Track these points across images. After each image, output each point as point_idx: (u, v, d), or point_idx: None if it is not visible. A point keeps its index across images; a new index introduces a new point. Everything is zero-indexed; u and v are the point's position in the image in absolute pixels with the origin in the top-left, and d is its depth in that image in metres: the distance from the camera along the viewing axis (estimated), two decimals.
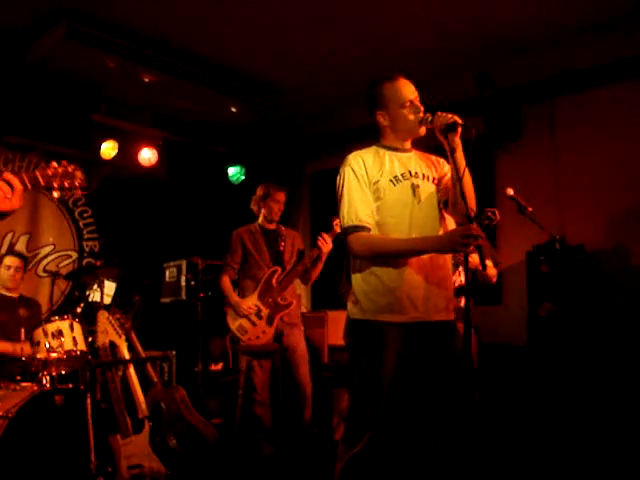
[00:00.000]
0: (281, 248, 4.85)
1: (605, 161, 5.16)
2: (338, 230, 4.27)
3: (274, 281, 4.71)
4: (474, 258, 3.47)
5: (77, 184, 2.41)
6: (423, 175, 2.91)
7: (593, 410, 4.45)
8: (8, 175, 2.23)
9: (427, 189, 2.90)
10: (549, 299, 4.90)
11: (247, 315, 4.66)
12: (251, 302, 4.69)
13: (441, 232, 2.90)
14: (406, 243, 2.80)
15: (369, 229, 2.78)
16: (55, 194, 2.38)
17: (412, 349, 2.76)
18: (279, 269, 4.75)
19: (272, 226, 4.92)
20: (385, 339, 2.73)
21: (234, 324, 4.70)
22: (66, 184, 2.39)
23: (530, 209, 3.85)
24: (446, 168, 2.96)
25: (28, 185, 2.27)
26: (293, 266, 4.76)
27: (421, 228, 2.85)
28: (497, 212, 3.90)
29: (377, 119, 2.94)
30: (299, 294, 5.46)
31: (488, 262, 3.72)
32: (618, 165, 5.08)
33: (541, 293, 4.95)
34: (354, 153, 2.91)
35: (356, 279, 2.86)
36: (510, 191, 3.88)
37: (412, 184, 2.85)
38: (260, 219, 4.93)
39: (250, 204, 5.00)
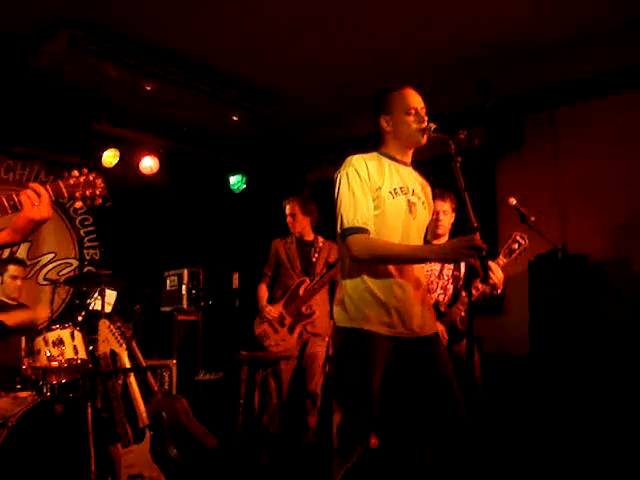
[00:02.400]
0: (313, 259, 4.91)
1: (606, 171, 5.16)
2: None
3: (301, 291, 4.78)
4: (497, 275, 3.52)
5: (98, 193, 2.39)
6: (418, 196, 2.92)
7: (595, 420, 4.43)
8: (35, 184, 2.25)
9: (420, 210, 2.91)
10: (551, 309, 4.88)
11: (269, 320, 4.72)
12: (275, 309, 4.78)
13: None
14: (410, 249, 2.78)
15: (369, 232, 2.74)
16: (77, 204, 2.40)
17: (399, 362, 2.75)
18: (307, 279, 4.81)
19: (309, 237, 5.01)
20: (374, 349, 2.71)
21: (258, 329, 4.82)
22: (88, 193, 2.37)
23: (532, 218, 3.83)
24: (430, 198, 3.01)
25: (52, 196, 2.27)
26: (321, 276, 4.81)
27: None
28: (526, 237, 3.85)
29: (380, 124, 2.93)
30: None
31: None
32: (619, 174, 5.08)
33: (543, 302, 4.94)
34: (357, 156, 2.88)
35: (345, 285, 2.82)
36: (512, 200, 3.87)
37: (409, 200, 2.85)
38: (292, 231, 5.06)
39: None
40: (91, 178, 2.37)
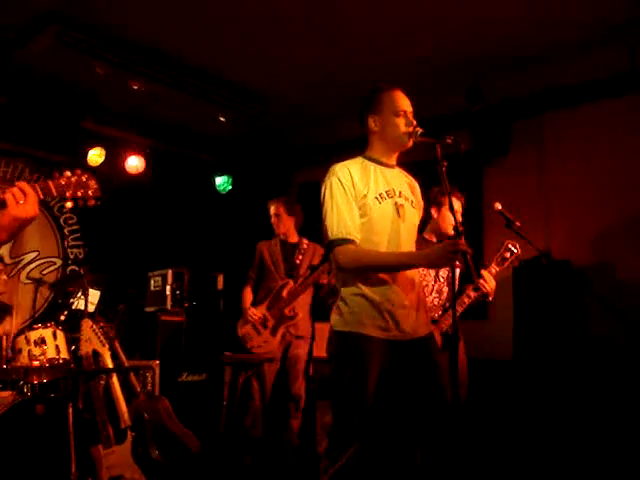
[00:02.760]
0: (297, 261, 4.90)
1: (591, 176, 5.20)
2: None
3: (284, 293, 4.76)
4: (489, 284, 3.62)
5: (91, 194, 2.34)
6: (406, 197, 2.93)
7: (578, 424, 4.46)
8: (21, 183, 2.20)
9: (409, 210, 2.92)
10: (535, 314, 4.91)
11: (252, 322, 4.71)
12: (258, 311, 4.76)
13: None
14: (395, 257, 2.80)
15: (356, 243, 2.75)
16: (68, 204, 2.32)
17: (394, 364, 2.76)
18: (291, 281, 4.80)
19: (293, 239, 5.00)
20: (369, 352, 2.72)
21: (241, 331, 4.80)
22: (79, 194, 2.32)
23: (518, 224, 3.86)
24: (420, 196, 3.03)
25: (40, 195, 2.22)
26: (304, 278, 4.80)
27: (407, 247, 2.89)
28: (518, 245, 3.88)
29: (368, 123, 2.93)
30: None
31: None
32: (604, 180, 5.12)
33: (527, 308, 4.96)
34: (341, 164, 2.88)
35: (341, 292, 2.85)
36: (498, 206, 3.89)
37: (396, 203, 2.86)
38: (277, 233, 5.05)
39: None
40: (84, 179, 2.33)
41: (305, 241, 5.00)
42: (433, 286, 4.04)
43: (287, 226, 4.96)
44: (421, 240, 3.97)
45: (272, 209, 4.97)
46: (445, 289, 4.05)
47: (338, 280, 2.87)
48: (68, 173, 2.30)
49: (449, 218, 3.99)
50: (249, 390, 4.79)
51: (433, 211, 4.07)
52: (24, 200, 2.16)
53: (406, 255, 2.83)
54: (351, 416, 2.71)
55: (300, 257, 4.92)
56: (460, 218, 4.02)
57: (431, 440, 2.78)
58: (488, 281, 3.67)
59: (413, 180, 3.08)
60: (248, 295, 4.97)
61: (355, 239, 2.75)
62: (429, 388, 2.77)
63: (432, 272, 4.02)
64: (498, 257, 3.90)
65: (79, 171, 2.34)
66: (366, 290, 2.76)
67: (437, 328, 3.82)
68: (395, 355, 2.76)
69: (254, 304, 4.90)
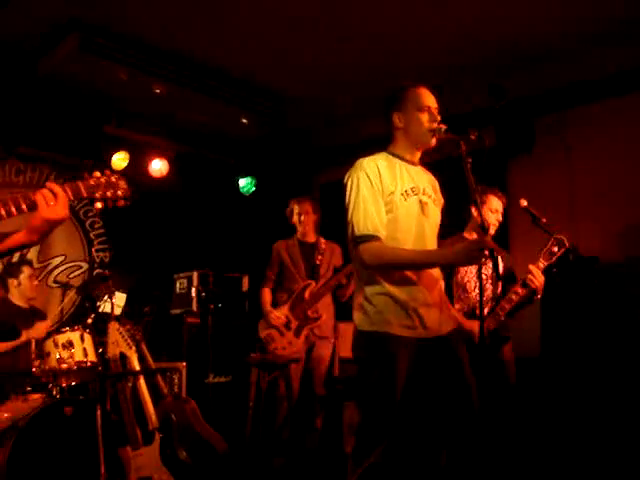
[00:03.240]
0: (317, 262, 4.88)
1: (618, 172, 5.13)
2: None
3: (307, 294, 4.74)
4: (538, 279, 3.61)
5: (121, 194, 2.34)
6: (429, 195, 2.91)
7: (607, 422, 4.40)
8: (51, 184, 2.20)
9: (432, 208, 2.91)
10: (563, 311, 4.85)
11: (276, 325, 4.70)
12: (281, 313, 4.76)
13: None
14: (420, 255, 2.78)
15: (381, 239, 2.73)
16: (98, 205, 2.31)
17: (421, 363, 2.74)
18: (313, 283, 4.78)
19: (311, 239, 4.95)
20: (396, 351, 2.70)
21: (263, 333, 4.78)
22: (109, 194, 2.31)
23: (544, 220, 3.81)
24: (440, 194, 3.01)
25: (70, 196, 2.21)
26: (327, 280, 4.77)
27: (430, 245, 2.88)
28: (566, 239, 3.80)
29: (392, 120, 2.90)
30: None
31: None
32: (631, 176, 5.05)
33: (555, 305, 4.90)
34: (368, 158, 2.85)
35: (365, 291, 2.81)
36: (523, 202, 3.85)
37: (420, 200, 2.84)
38: (298, 233, 4.99)
39: (288, 219, 5.08)
40: (113, 179, 2.32)
41: (323, 240, 4.97)
42: (475, 282, 3.96)
43: (310, 225, 4.94)
44: (461, 238, 3.94)
45: (297, 208, 4.94)
46: (489, 286, 3.97)
47: (361, 278, 2.83)
48: (98, 174, 2.30)
49: (489, 218, 3.94)
50: (275, 392, 4.77)
51: (473, 209, 4.00)
52: (54, 201, 2.16)
53: (430, 253, 2.81)
54: (379, 416, 2.70)
55: (320, 257, 4.88)
56: (500, 218, 3.99)
57: (457, 440, 2.76)
58: (537, 276, 3.64)
59: (433, 178, 3.05)
60: (267, 296, 4.93)
61: (381, 236, 2.72)
62: (455, 386, 2.75)
63: (473, 269, 3.95)
64: (546, 252, 3.80)
65: (108, 171, 2.33)
66: (391, 288, 2.74)
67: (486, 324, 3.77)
68: (421, 353, 2.74)
69: (274, 305, 4.87)
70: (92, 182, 2.29)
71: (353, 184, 2.80)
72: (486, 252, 2.54)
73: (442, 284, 2.97)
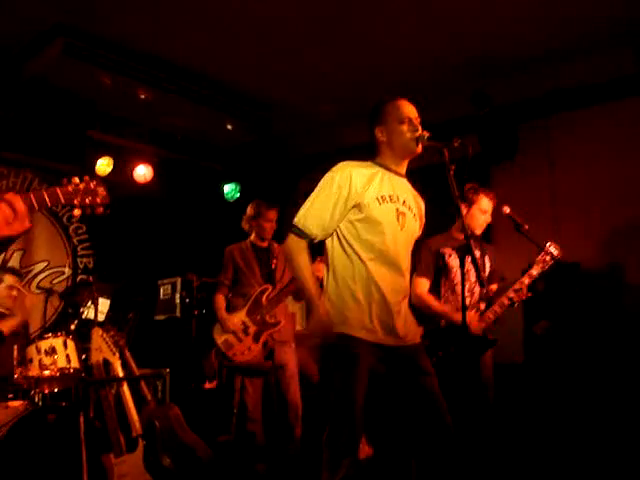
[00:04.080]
0: (273, 266, 4.83)
1: (600, 178, 5.19)
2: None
3: (264, 299, 4.69)
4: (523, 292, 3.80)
5: (99, 201, 2.29)
6: (409, 207, 2.92)
7: (591, 426, 4.43)
8: (9, 196, 2.06)
9: (410, 221, 2.91)
10: (546, 317, 4.89)
11: (233, 331, 4.64)
12: (238, 318, 4.68)
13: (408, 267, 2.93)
14: (310, 285, 2.78)
15: (311, 240, 2.80)
16: (76, 212, 2.26)
17: (382, 369, 2.74)
18: (270, 287, 4.73)
19: (264, 244, 4.90)
20: (357, 354, 2.69)
21: (220, 339, 4.69)
22: (87, 201, 2.26)
23: (526, 227, 3.85)
24: (423, 211, 3.03)
25: (35, 205, 2.14)
26: (285, 285, 4.72)
27: (402, 255, 2.88)
28: (559, 248, 3.90)
29: (376, 135, 2.94)
30: (293, 312, 5.45)
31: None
32: (612, 182, 5.11)
33: (537, 311, 4.94)
34: (346, 163, 2.89)
35: (330, 290, 2.82)
36: (506, 209, 3.89)
37: (397, 209, 2.85)
38: (252, 237, 4.92)
39: (241, 222, 4.99)
40: (92, 186, 2.28)
41: (276, 245, 4.93)
42: (464, 285, 3.99)
43: (270, 233, 4.90)
44: (449, 236, 3.98)
45: (273, 214, 4.90)
46: (477, 289, 4.02)
47: (328, 277, 2.84)
48: (76, 180, 2.26)
49: (478, 218, 4.01)
50: (243, 399, 4.69)
51: (463, 207, 4.02)
52: (13, 218, 2.05)
53: (315, 292, 2.78)
54: (342, 426, 2.68)
55: (275, 261, 4.84)
56: (489, 219, 4.03)
57: (426, 451, 2.74)
58: (523, 295, 3.85)
59: (418, 194, 3.07)
60: (222, 302, 4.82)
61: (314, 237, 2.80)
62: (420, 398, 2.74)
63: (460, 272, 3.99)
64: (540, 260, 3.89)
65: (87, 178, 2.29)
66: (357, 291, 2.75)
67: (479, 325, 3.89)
68: (385, 361, 2.74)
69: (229, 310, 4.79)
70: (70, 189, 2.25)
71: (324, 179, 2.86)
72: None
73: (408, 294, 2.97)
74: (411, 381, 2.75)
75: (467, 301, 3.99)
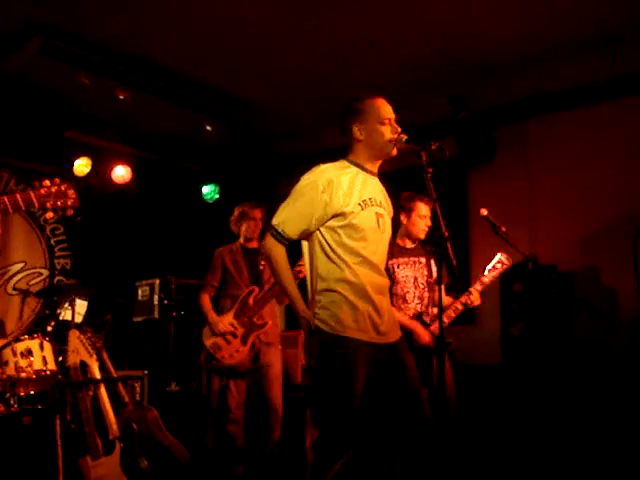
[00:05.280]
0: (261, 267, 4.82)
1: (576, 182, 5.24)
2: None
3: (251, 300, 4.68)
4: (475, 297, 3.93)
5: (70, 204, 2.31)
6: (384, 207, 2.94)
7: (567, 427, 4.48)
8: None
9: (387, 221, 2.94)
10: (522, 319, 4.94)
11: (222, 333, 4.63)
12: (227, 320, 4.66)
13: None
14: (292, 290, 2.84)
15: (288, 242, 2.82)
16: (49, 215, 2.29)
17: (374, 368, 2.75)
18: (257, 289, 4.72)
19: (253, 245, 4.90)
20: (354, 355, 2.69)
21: (209, 341, 4.67)
22: (59, 204, 2.28)
23: (504, 229, 3.89)
24: (392, 210, 3.05)
25: (10, 210, 2.16)
26: (271, 286, 4.72)
27: (382, 256, 2.91)
28: (509, 258, 4.08)
29: (352, 132, 2.89)
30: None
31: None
32: (588, 184, 5.16)
33: (514, 313, 4.99)
34: (326, 169, 2.86)
35: (319, 293, 2.81)
36: (484, 211, 3.93)
37: (376, 212, 2.86)
38: (241, 238, 4.92)
39: (230, 225, 4.99)
40: (63, 188, 2.29)
41: None
42: (414, 293, 4.07)
43: (257, 233, 4.90)
44: (394, 245, 4.01)
45: (257, 212, 4.90)
46: (426, 295, 4.10)
47: (315, 281, 2.83)
48: (48, 182, 2.26)
49: (419, 224, 4.10)
50: (225, 400, 4.69)
51: (402, 217, 4.14)
52: None
53: (297, 297, 2.83)
54: (338, 429, 2.68)
55: (263, 263, 4.83)
56: (429, 223, 4.09)
57: (410, 450, 2.75)
58: (475, 300, 3.96)
59: (385, 191, 3.06)
60: (209, 303, 4.82)
61: (290, 240, 2.82)
62: (404, 394, 2.76)
63: (411, 279, 4.07)
64: (491, 268, 4.04)
65: (58, 180, 2.30)
66: (346, 292, 2.75)
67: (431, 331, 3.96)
68: (375, 359, 2.75)
69: (217, 312, 4.80)
70: (43, 191, 2.26)
71: (305, 185, 2.83)
72: None
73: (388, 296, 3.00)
74: (396, 378, 2.77)
75: (418, 307, 4.05)
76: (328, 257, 2.79)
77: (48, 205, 2.26)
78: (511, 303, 5.08)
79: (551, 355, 4.74)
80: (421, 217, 4.11)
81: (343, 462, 2.64)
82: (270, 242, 2.83)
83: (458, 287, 4.07)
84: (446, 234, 2.68)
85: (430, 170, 2.75)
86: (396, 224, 3.91)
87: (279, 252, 2.82)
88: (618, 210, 4.91)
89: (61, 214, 2.31)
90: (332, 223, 2.79)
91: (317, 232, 2.81)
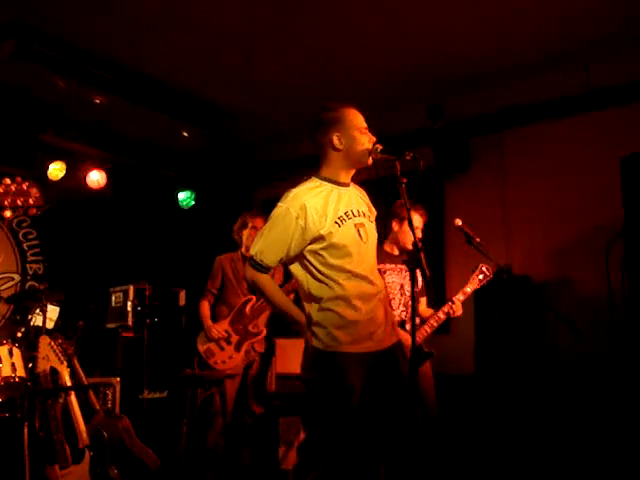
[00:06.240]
0: None
1: (551, 193, 5.28)
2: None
3: (247, 309, 4.75)
4: (457, 306, 4.00)
5: (32, 202, 2.25)
6: (363, 213, 2.91)
7: (540, 438, 4.50)
8: None
9: (369, 228, 2.92)
10: (496, 328, 4.97)
11: (216, 339, 4.65)
12: (221, 327, 4.74)
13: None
14: (289, 308, 2.92)
15: (268, 270, 2.85)
16: (7, 213, 2.21)
17: (369, 377, 2.76)
18: (254, 298, 4.78)
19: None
20: (349, 369, 2.72)
21: (202, 347, 4.75)
22: (19, 202, 2.22)
23: (477, 239, 3.92)
24: (371, 205, 3.04)
25: None
26: None
27: (370, 265, 2.90)
28: (490, 269, 4.18)
29: (332, 141, 2.84)
30: None
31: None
32: (563, 196, 5.20)
33: (488, 323, 5.02)
34: (298, 194, 2.81)
35: (312, 310, 2.82)
36: (458, 222, 3.95)
37: (355, 224, 2.84)
38: (242, 247, 4.98)
39: (232, 234, 5.06)
40: (24, 187, 2.23)
41: None
42: (400, 300, 4.08)
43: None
44: (381, 251, 4.01)
45: (260, 222, 4.90)
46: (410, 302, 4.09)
47: (307, 297, 2.84)
48: (8, 181, 2.21)
49: (409, 234, 4.05)
50: (210, 408, 4.73)
51: (394, 224, 4.15)
52: None
53: (294, 310, 2.91)
54: (328, 434, 2.71)
55: None
56: (420, 234, 4.08)
57: (396, 456, 2.77)
58: (457, 310, 4.01)
59: (362, 191, 3.06)
60: (207, 310, 4.89)
61: (269, 268, 2.85)
62: (396, 401, 2.78)
63: (397, 286, 4.07)
64: (473, 278, 4.09)
65: (20, 179, 2.24)
66: (339, 308, 2.76)
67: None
68: (370, 366, 2.76)
69: (214, 319, 4.84)
70: (1, 190, 2.20)
71: (278, 213, 2.80)
72: None
73: (387, 301, 3.03)
74: (388, 385, 2.80)
75: (403, 315, 4.07)
76: (316, 278, 2.80)
77: (5, 203, 2.19)
78: (485, 314, 5.10)
79: (525, 364, 4.77)
80: (413, 227, 4.11)
81: (321, 471, 2.64)
82: (250, 272, 2.86)
83: (432, 297, 4.10)
84: (420, 245, 2.69)
85: (404, 180, 2.76)
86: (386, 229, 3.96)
87: (261, 279, 2.86)
88: (591, 222, 4.95)
89: (22, 213, 2.25)
90: (313, 247, 2.78)
91: (301, 256, 2.81)
